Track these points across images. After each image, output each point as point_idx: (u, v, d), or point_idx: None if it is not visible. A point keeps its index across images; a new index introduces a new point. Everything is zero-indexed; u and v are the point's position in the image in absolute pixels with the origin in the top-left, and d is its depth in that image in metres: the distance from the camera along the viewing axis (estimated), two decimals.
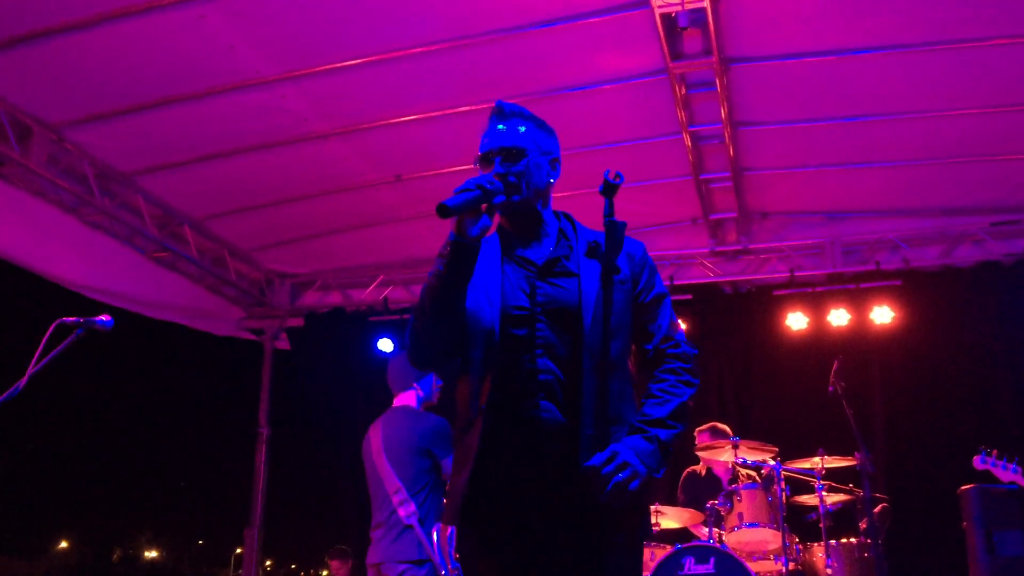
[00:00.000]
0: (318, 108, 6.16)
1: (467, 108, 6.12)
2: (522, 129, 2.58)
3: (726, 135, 6.44)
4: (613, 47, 5.56)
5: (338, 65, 5.71)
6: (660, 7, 4.90)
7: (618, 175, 2.36)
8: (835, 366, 5.58)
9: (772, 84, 6.10)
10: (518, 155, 2.53)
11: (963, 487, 5.60)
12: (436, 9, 5.32)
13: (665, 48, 5.25)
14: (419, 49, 5.59)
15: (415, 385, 5.29)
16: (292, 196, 7.34)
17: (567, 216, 2.70)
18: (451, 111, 6.21)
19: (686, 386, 2.56)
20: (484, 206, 2.36)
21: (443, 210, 2.27)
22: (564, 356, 2.47)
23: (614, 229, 2.41)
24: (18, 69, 5.46)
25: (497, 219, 2.61)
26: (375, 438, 5.14)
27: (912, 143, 6.74)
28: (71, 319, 3.17)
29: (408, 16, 5.35)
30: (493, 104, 2.63)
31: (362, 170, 7.02)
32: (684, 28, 4.91)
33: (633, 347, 2.64)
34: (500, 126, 2.59)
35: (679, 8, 4.85)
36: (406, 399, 5.29)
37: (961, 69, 5.79)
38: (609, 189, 2.37)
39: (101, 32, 5.19)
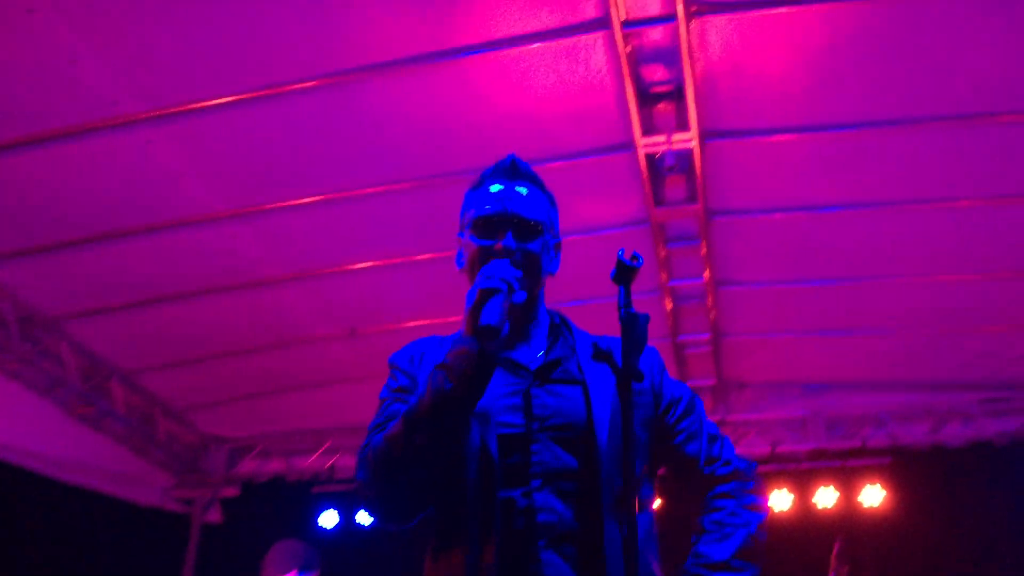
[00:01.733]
0: (268, 250, 5.64)
1: (429, 256, 5.65)
2: (532, 196, 2.03)
3: (709, 296, 6.03)
4: (593, 193, 5.18)
5: (293, 203, 5.24)
6: (645, 146, 4.55)
7: (635, 256, 1.77)
8: (836, 548, 5.03)
9: (754, 241, 5.75)
10: (533, 231, 1.97)
11: None
12: (401, 146, 4.91)
13: (648, 191, 4.89)
14: (380, 188, 5.15)
15: (296, 572, 4.67)
16: (234, 350, 6.69)
17: (559, 314, 2.12)
18: (412, 258, 5.75)
19: (751, 511, 1.91)
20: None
21: (490, 332, 1.68)
22: (569, 490, 1.79)
23: (633, 324, 1.73)
24: None
25: None
26: None
27: (897, 310, 6.35)
28: None
29: (371, 153, 4.92)
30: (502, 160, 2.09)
31: (313, 322, 6.46)
32: (670, 168, 4.56)
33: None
34: (499, 187, 2.01)
35: (666, 147, 4.51)
36: None
37: (954, 230, 5.47)
38: (625, 273, 1.76)
39: (29, 155, 4.69)
